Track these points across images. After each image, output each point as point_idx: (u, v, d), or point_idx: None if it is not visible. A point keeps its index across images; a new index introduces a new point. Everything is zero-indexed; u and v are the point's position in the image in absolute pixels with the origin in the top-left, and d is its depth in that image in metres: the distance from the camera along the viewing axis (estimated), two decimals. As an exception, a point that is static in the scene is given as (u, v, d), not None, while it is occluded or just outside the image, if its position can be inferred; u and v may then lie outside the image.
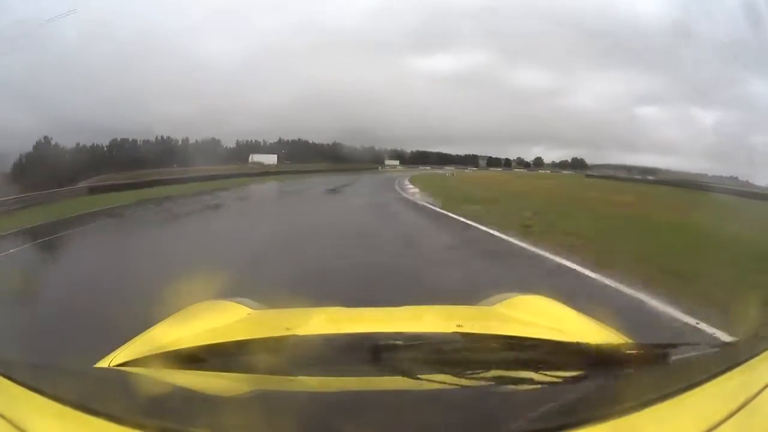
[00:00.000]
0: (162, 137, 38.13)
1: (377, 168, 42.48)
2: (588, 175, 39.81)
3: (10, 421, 0.65)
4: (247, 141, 44.59)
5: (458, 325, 1.10)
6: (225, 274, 2.06)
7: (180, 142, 39.39)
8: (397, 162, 47.26)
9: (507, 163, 47.03)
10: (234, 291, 1.83)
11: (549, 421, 0.65)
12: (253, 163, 41.95)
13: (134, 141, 36.35)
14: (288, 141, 46.19)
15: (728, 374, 0.76)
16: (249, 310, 1.50)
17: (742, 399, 0.67)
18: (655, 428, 0.66)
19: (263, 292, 1.87)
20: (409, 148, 48.27)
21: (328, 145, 47.09)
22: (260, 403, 0.80)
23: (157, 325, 1.36)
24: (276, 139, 45.24)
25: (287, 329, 1.11)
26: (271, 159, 43.84)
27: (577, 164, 44.55)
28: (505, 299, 1.62)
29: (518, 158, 47.18)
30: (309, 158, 43.02)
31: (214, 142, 40.98)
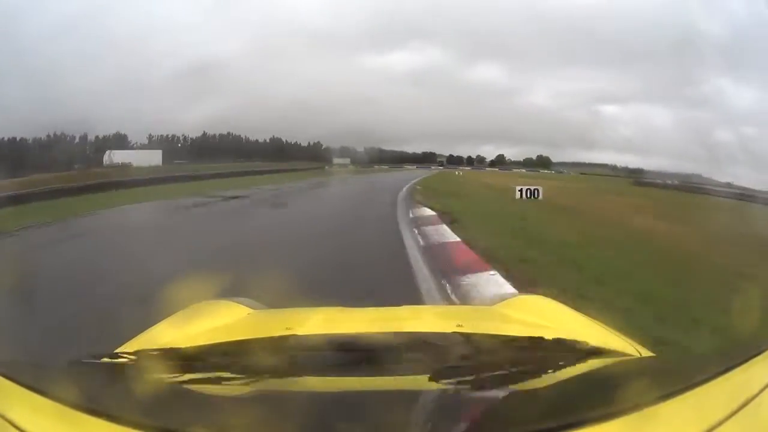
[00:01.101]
0: (55, 134, 28.40)
1: (323, 168, 34.07)
2: (639, 182, 27.15)
3: (10, 421, 0.65)
4: (161, 136, 34.10)
5: (458, 325, 1.10)
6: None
7: (77, 140, 29.07)
8: (347, 161, 38.22)
9: (470, 161, 42.82)
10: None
11: (549, 421, 0.65)
12: (111, 165, 25.26)
13: (23, 140, 26.62)
14: (215, 135, 36.81)
15: (728, 374, 0.76)
16: (249, 310, 1.50)
17: (742, 399, 0.67)
18: (655, 428, 0.66)
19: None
20: (362, 145, 40.47)
21: (265, 141, 38.44)
22: (260, 403, 0.80)
23: (157, 324, 1.36)
24: (200, 133, 36.28)
25: (287, 329, 1.11)
26: (147, 158, 27.11)
27: (543, 162, 41.50)
28: (505, 299, 1.62)
29: (477, 156, 43.38)
30: (241, 155, 34.40)
31: (119, 138, 30.57)
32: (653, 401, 0.67)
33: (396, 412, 0.74)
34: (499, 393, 0.86)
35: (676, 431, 0.67)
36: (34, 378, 0.78)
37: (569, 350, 1.02)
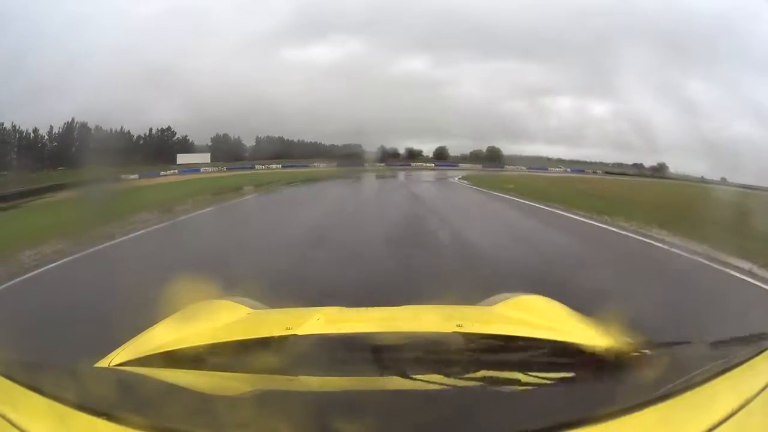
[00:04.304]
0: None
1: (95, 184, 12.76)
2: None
3: (10, 421, 0.65)
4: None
5: (458, 325, 1.10)
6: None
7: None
8: (206, 157, 24.69)
9: (411, 156, 38.14)
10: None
11: (548, 421, 0.65)
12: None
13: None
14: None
15: (728, 374, 0.76)
16: (249, 310, 1.50)
17: (742, 399, 0.67)
18: (655, 428, 0.66)
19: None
20: (258, 135, 29.34)
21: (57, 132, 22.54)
22: (260, 403, 0.80)
23: (157, 324, 1.35)
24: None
25: (287, 329, 1.10)
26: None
27: (494, 156, 37.94)
28: (505, 299, 1.62)
29: (410, 149, 38.98)
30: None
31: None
32: (653, 401, 0.67)
33: (396, 412, 0.74)
34: (499, 393, 0.86)
35: (676, 431, 0.67)
36: (34, 378, 0.78)
37: (569, 350, 1.02)
